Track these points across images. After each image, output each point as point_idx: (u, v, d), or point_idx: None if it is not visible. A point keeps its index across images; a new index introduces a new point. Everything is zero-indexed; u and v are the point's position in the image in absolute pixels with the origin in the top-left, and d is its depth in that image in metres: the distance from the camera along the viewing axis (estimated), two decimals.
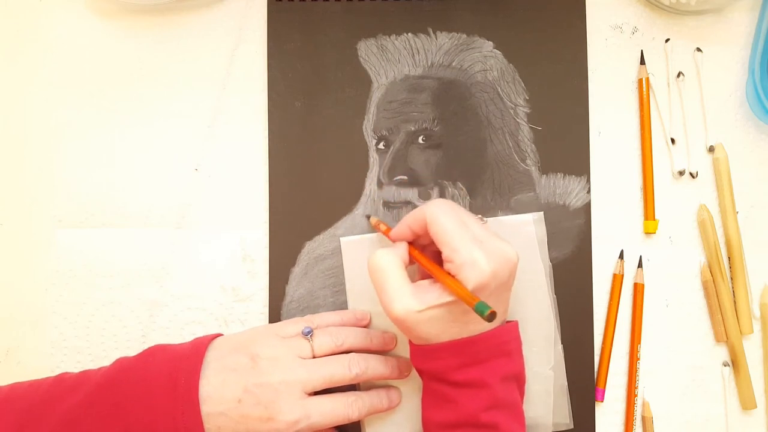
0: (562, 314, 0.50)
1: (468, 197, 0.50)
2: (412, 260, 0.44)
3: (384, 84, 0.51)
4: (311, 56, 0.51)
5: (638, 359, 0.51)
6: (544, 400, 0.49)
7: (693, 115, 0.52)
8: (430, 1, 0.51)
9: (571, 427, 0.50)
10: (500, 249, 0.41)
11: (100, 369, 0.43)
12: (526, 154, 0.51)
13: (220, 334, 0.46)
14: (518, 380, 0.44)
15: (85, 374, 0.43)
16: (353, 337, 0.46)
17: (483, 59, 0.51)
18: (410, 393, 0.49)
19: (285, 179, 0.50)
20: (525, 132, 0.51)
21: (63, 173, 0.50)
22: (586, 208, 0.51)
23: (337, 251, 0.50)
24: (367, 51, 0.51)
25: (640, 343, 0.51)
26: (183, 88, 0.51)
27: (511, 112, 0.51)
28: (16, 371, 0.50)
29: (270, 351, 0.43)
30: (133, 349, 0.48)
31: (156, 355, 0.43)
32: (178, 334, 0.50)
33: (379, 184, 0.50)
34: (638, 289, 0.51)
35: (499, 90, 0.51)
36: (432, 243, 0.43)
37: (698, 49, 0.53)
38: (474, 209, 0.50)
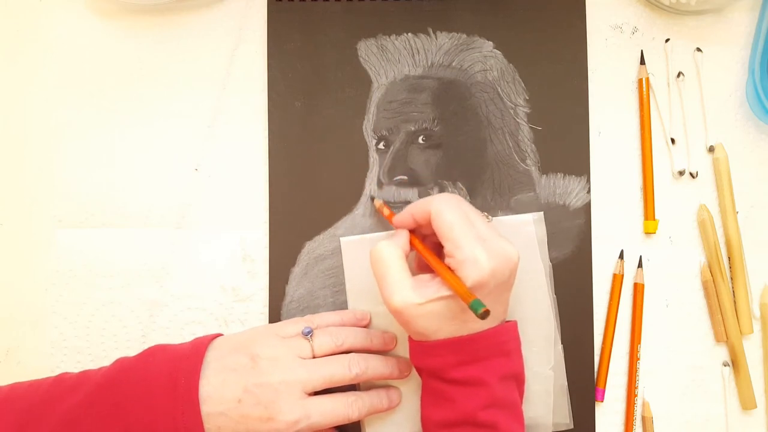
0: (562, 314, 0.50)
1: (468, 197, 0.50)
2: (412, 248, 0.44)
3: (384, 84, 0.51)
4: (311, 56, 0.51)
5: (638, 359, 0.51)
6: (544, 400, 0.49)
7: (693, 115, 0.52)
8: (430, 1, 0.51)
9: (571, 427, 0.50)
10: (502, 248, 0.41)
11: (100, 369, 0.43)
12: (526, 154, 0.51)
13: (220, 334, 0.46)
14: (517, 380, 0.44)
15: (85, 374, 0.43)
16: (353, 337, 0.46)
17: (483, 59, 0.51)
18: (410, 393, 0.49)
19: (285, 179, 0.50)
20: (525, 132, 0.51)
21: (63, 173, 0.50)
22: (586, 208, 0.51)
23: (337, 251, 0.50)
24: (367, 51, 0.51)
25: (640, 343, 0.51)
26: (183, 88, 0.51)
27: (511, 112, 0.51)
28: (16, 371, 0.50)
29: (270, 351, 0.43)
30: (133, 349, 0.48)
31: (156, 355, 0.43)
32: (178, 334, 0.50)
33: (379, 184, 0.50)
34: (638, 289, 0.51)
35: (499, 90, 0.51)
36: (433, 233, 0.43)
37: (698, 49, 0.53)
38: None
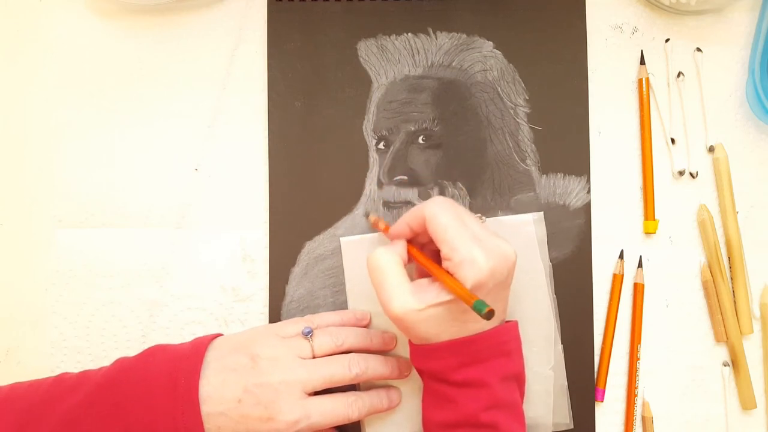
0: (562, 314, 0.50)
1: (468, 197, 0.50)
2: (410, 258, 0.44)
3: (384, 84, 0.51)
4: (311, 56, 0.51)
5: (638, 359, 0.51)
6: (544, 400, 0.49)
7: (693, 115, 0.52)
8: (430, 1, 0.51)
9: (571, 427, 0.50)
10: (499, 247, 0.41)
11: (100, 369, 0.43)
12: (526, 154, 0.51)
13: (220, 334, 0.46)
14: (518, 380, 0.44)
15: (85, 374, 0.43)
16: (353, 337, 0.46)
17: (483, 59, 0.51)
18: (410, 393, 0.49)
19: (285, 179, 0.50)
20: (525, 132, 0.51)
21: (63, 173, 0.50)
22: (586, 208, 0.51)
23: (337, 251, 0.50)
24: (367, 51, 0.51)
25: (640, 343, 0.51)
26: (183, 88, 0.51)
27: (511, 112, 0.51)
28: (16, 371, 0.50)
29: (270, 351, 0.43)
30: (133, 349, 0.48)
31: (156, 355, 0.43)
32: (178, 334, 0.50)
33: (379, 184, 0.50)
34: (638, 289, 0.51)
35: (499, 90, 0.51)
36: (431, 241, 0.43)
37: (698, 49, 0.53)
38: (474, 209, 0.50)
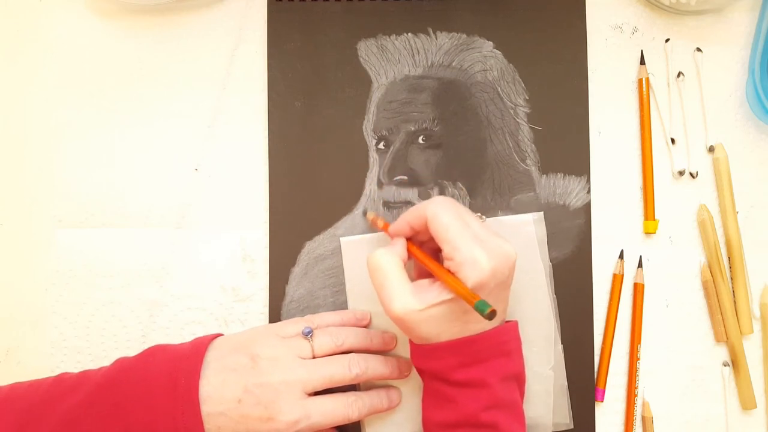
0: (562, 314, 0.50)
1: (468, 197, 0.50)
2: (410, 256, 0.44)
3: (384, 84, 0.51)
4: (311, 56, 0.51)
5: (638, 359, 0.51)
6: (544, 400, 0.49)
7: (693, 115, 0.52)
8: (430, 1, 0.51)
9: (571, 427, 0.50)
10: (500, 247, 0.41)
11: (100, 369, 0.43)
12: (526, 154, 0.51)
13: (220, 334, 0.46)
14: (518, 380, 0.44)
15: (85, 374, 0.43)
16: (353, 337, 0.46)
17: (483, 59, 0.51)
18: (410, 393, 0.49)
19: (285, 179, 0.50)
20: (525, 132, 0.51)
21: (63, 173, 0.50)
22: (586, 208, 0.51)
23: (337, 251, 0.50)
24: (367, 51, 0.51)
25: (640, 343, 0.51)
26: (183, 88, 0.51)
27: (511, 112, 0.51)
28: (16, 371, 0.50)
29: (270, 351, 0.43)
30: (133, 349, 0.48)
31: (156, 355, 0.43)
32: (178, 334, 0.50)
33: (379, 184, 0.50)
34: (638, 289, 0.51)
35: (499, 90, 0.51)
36: (430, 240, 0.43)
37: (698, 49, 0.53)
38: (474, 209, 0.50)
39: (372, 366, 0.45)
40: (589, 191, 0.51)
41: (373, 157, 0.50)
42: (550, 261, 0.50)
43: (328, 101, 0.50)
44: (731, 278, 0.52)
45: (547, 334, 0.49)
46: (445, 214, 0.41)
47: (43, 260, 0.50)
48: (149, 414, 0.40)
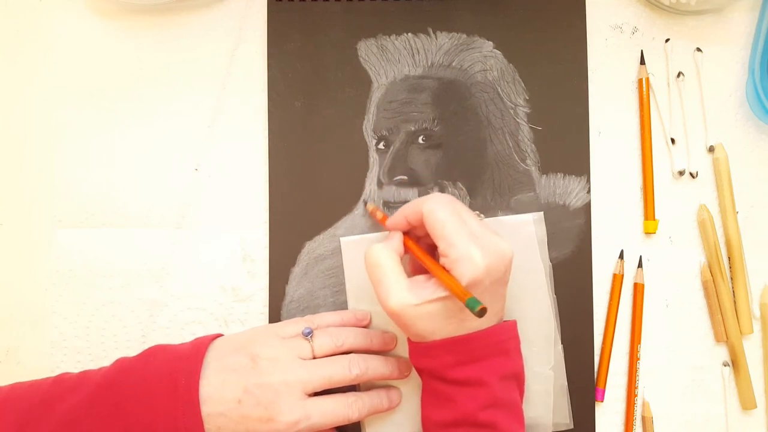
0: (562, 314, 0.50)
1: (468, 197, 0.50)
2: (406, 250, 0.44)
3: (384, 84, 0.51)
4: (311, 56, 0.51)
5: (638, 359, 0.51)
6: (544, 400, 0.49)
7: (693, 115, 0.52)
8: (430, 1, 0.51)
9: (571, 427, 0.50)
10: (496, 245, 0.41)
11: (100, 369, 0.43)
12: (526, 154, 0.51)
13: (220, 335, 0.46)
14: (517, 379, 0.44)
15: (85, 374, 0.43)
16: (353, 337, 0.46)
17: (483, 59, 0.51)
18: (410, 393, 0.49)
19: (285, 179, 0.50)
20: (525, 132, 0.51)
21: (63, 173, 0.50)
22: (586, 208, 0.51)
23: (337, 251, 0.50)
24: (367, 51, 0.51)
25: (640, 343, 0.51)
26: (183, 88, 0.51)
27: (511, 112, 0.51)
28: (16, 371, 0.50)
29: (270, 351, 0.43)
30: (133, 349, 0.48)
31: (156, 355, 0.43)
32: (178, 334, 0.50)
33: (379, 184, 0.50)
34: (638, 289, 0.51)
35: (499, 90, 0.51)
36: (427, 235, 0.43)
37: (698, 49, 0.53)
38: (474, 209, 0.50)
39: (372, 366, 0.45)
40: (589, 191, 0.51)
41: (373, 157, 0.50)
42: (550, 261, 0.50)
43: (328, 101, 0.50)
44: (731, 278, 0.52)
45: (547, 334, 0.49)
46: (442, 211, 0.41)
47: (43, 260, 0.50)
48: (149, 414, 0.40)
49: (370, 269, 0.43)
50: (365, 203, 0.50)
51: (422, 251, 0.43)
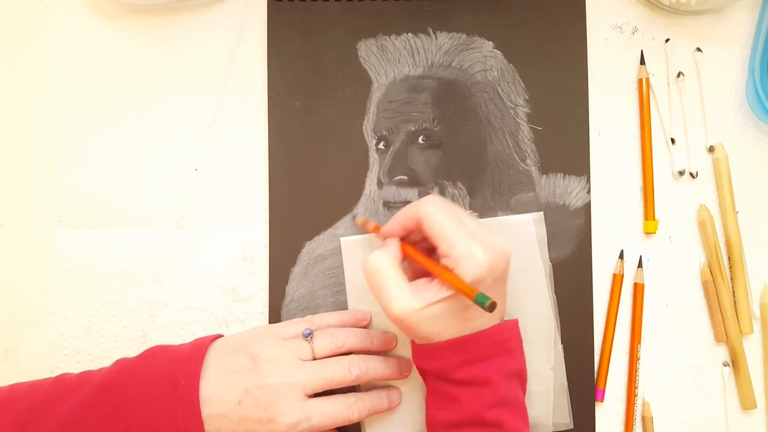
0: (562, 314, 0.50)
1: (468, 197, 0.50)
2: (405, 256, 0.44)
3: (384, 84, 0.51)
4: (311, 56, 0.51)
5: (638, 359, 0.51)
6: (544, 400, 0.49)
7: (693, 115, 0.52)
8: (430, 1, 0.51)
9: (571, 427, 0.50)
10: (494, 242, 0.41)
11: (100, 370, 0.43)
12: (526, 154, 0.51)
13: (220, 335, 0.46)
14: (520, 378, 0.44)
15: (86, 375, 0.43)
16: (353, 338, 0.46)
17: (483, 59, 0.51)
18: (411, 393, 0.49)
19: (285, 179, 0.50)
20: (525, 132, 0.51)
21: (63, 173, 0.50)
22: (586, 208, 0.51)
23: (337, 251, 0.50)
24: (367, 51, 0.51)
25: (640, 343, 0.51)
26: (183, 88, 0.51)
27: (511, 112, 0.51)
28: (16, 371, 0.50)
29: (270, 352, 0.43)
30: (133, 349, 0.48)
31: (156, 355, 0.43)
32: (178, 334, 0.50)
33: (379, 184, 0.50)
34: (638, 289, 0.51)
35: (499, 90, 0.51)
36: (422, 240, 0.43)
37: (698, 49, 0.53)
38: (474, 209, 0.50)
39: (372, 367, 0.45)
40: (589, 191, 0.51)
41: (373, 157, 0.50)
42: (550, 261, 0.50)
43: (328, 101, 0.50)
44: (731, 278, 0.52)
45: (547, 334, 0.49)
46: (439, 213, 0.41)
47: (43, 260, 0.50)
48: (149, 415, 0.40)
49: (369, 277, 0.43)
50: (353, 218, 0.50)
51: (422, 255, 0.43)
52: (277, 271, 0.50)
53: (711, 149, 0.52)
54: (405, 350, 0.48)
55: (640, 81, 0.52)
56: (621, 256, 0.52)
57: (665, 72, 0.52)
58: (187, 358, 0.42)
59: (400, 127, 0.51)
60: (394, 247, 0.44)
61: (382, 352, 0.48)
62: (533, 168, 0.51)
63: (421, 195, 0.50)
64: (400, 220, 0.44)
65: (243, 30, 0.51)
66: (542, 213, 0.50)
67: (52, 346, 0.50)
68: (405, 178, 0.50)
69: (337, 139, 0.50)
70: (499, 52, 0.51)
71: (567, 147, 0.51)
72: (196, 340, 0.45)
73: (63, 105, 0.51)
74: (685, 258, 0.52)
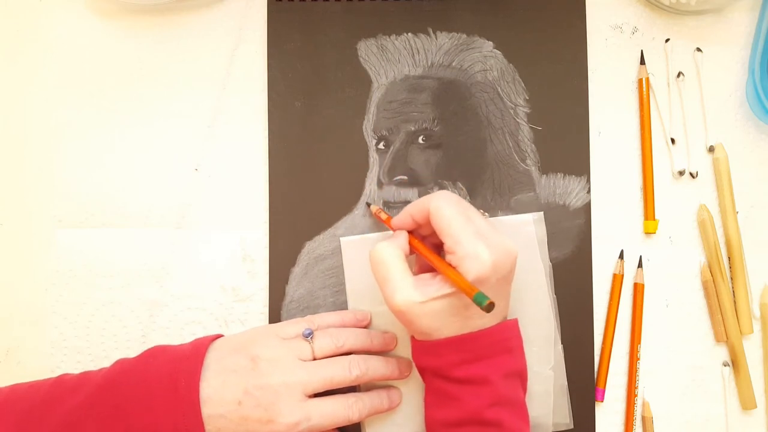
0: (562, 314, 0.50)
1: (468, 197, 0.50)
2: (411, 250, 0.44)
3: (384, 84, 0.51)
4: (311, 56, 0.51)
5: (638, 359, 0.51)
6: (544, 400, 0.49)
7: (693, 115, 0.52)
8: (430, 1, 0.51)
9: (571, 427, 0.50)
10: (501, 242, 0.41)
11: (100, 370, 0.43)
12: (526, 154, 0.51)
13: (220, 335, 0.46)
14: (521, 377, 0.44)
15: (86, 375, 0.43)
16: (354, 338, 0.46)
17: (483, 59, 0.51)
18: (410, 393, 0.49)
19: (285, 179, 0.50)
20: (525, 132, 0.51)
21: (63, 173, 0.50)
22: (586, 208, 0.51)
23: (337, 251, 0.50)
24: (367, 51, 0.51)
25: (640, 343, 0.51)
26: (183, 88, 0.51)
27: (511, 112, 0.51)
28: (16, 371, 0.50)
29: (270, 352, 0.43)
30: (133, 349, 0.48)
31: (156, 356, 0.43)
32: (178, 334, 0.50)
33: (379, 184, 0.50)
34: (638, 289, 0.51)
35: (499, 90, 0.51)
36: (432, 234, 0.43)
37: (698, 49, 0.53)
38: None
39: (372, 367, 0.45)
40: (589, 191, 0.51)
41: (373, 157, 0.50)
42: (550, 261, 0.50)
43: (328, 101, 0.50)
44: (731, 278, 0.52)
45: (547, 334, 0.49)
46: (448, 208, 0.41)
47: (43, 260, 0.50)
48: (149, 415, 0.40)
49: (375, 267, 0.43)
50: (368, 205, 0.50)
51: (428, 249, 0.43)
52: (277, 271, 0.50)
53: (711, 149, 0.52)
54: (405, 350, 0.48)
55: (640, 81, 0.52)
56: (621, 256, 0.52)
57: (665, 72, 0.52)
58: (187, 358, 0.42)
59: (400, 127, 0.51)
60: (401, 239, 0.44)
61: (383, 353, 0.48)
62: (533, 168, 0.51)
63: (421, 195, 0.50)
64: (411, 212, 0.44)
65: (243, 30, 0.51)
66: (542, 213, 0.50)
67: (52, 346, 0.50)
68: (405, 178, 0.50)
69: (337, 139, 0.50)
70: (499, 52, 0.51)
71: (567, 147, 0.51)
72: (196, 340, 0.45)
73: (63, 105, 0.51)
74: (685, 258, 0.52)
